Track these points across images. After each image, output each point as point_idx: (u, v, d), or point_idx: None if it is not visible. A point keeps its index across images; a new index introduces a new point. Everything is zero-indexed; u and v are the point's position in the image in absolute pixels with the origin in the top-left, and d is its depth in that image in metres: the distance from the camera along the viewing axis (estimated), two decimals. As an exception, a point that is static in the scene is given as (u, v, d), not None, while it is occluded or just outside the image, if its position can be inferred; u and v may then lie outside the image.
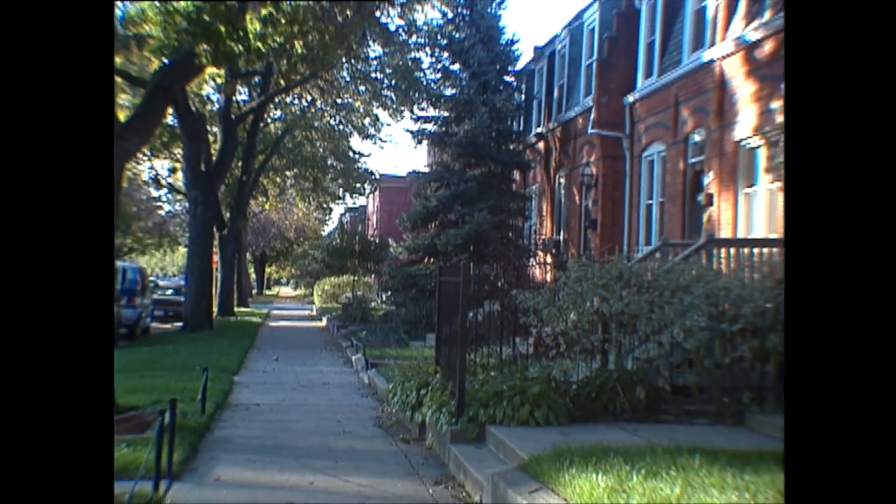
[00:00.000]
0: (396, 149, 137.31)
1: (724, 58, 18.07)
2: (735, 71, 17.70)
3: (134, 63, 23.67)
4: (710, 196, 18.48)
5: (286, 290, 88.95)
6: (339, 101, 40.27)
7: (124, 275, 24.77)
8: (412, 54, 34.54)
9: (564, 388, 10.59)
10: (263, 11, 16.20)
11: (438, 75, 31.57)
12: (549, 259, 26.80)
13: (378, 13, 29.25)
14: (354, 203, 64.55)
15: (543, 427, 9.52)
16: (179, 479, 8.45)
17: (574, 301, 11.40)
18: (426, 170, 33.73)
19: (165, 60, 15.91)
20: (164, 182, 47.45)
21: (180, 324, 31.27)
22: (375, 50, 34.40)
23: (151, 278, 38.42)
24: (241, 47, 15.70)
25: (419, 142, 32.40)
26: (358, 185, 48.55)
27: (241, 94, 33.61)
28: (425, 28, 33.78)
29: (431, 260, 25.48)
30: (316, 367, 20.07)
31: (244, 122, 34.72)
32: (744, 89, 17.38)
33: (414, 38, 34.22)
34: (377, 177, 49.67)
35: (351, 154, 45.60)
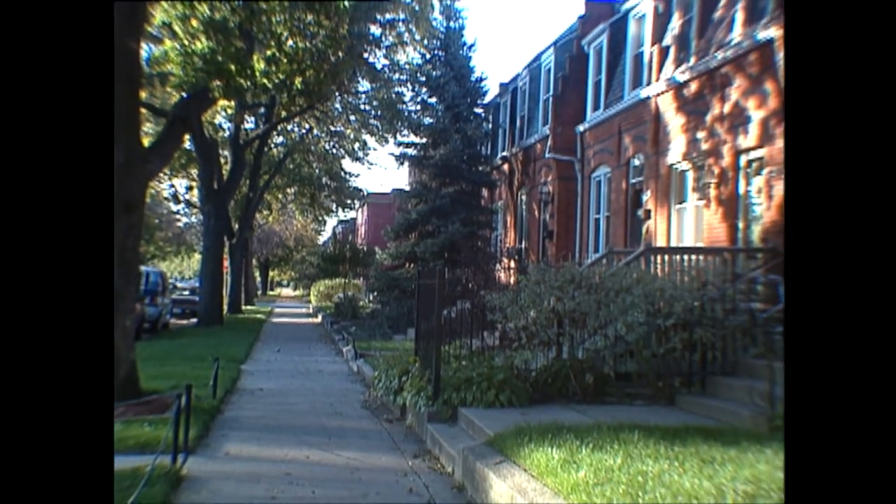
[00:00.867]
0: (382, 170, 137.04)
1: (658, 95, 18.31)
2: (667, 106, 17.92)
3: (157, 97, 23.64)
4: (648, 211, 18.64)
5: (287, 291, 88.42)
6: (332, 128, 40.32)
7: (147, 278, 24.63)
8: (395, 89, 34.64)
9: (525, 375, 10.59)
10: (268, 52, 16.24)
11: (418, 107, 31.60)
12: (512, 264, 26.82)
13: (366, 54, 29.32)
14: (345, 216, 64.30)
15: (507, 408, 9.55)
16: (194, 453, 8.43)
17: (533, 300, 11.45)
18: (407, 188, 33.68)
19: (184, 94, 15.95)
20: (181, 198, 47.25)
21: (195, 320, 31.08)
22: (364, 85, 34.42)
23: (171, 280, 38.13)
24: (248, 83, 15.74)
25: (401, 164, 32.51)
26: (348, 200, 48.56)
27: (248, 122, 33.51)
28: (407, 67, 33.87)
29: (411, 265, 25.45)
30: (312, 358, 20.01)
31: (251, 146, 34.62)
32: (674, 121, 17.59)
33: (397, 75, 34.32)
34: (365, 194, 49.83)
35: (342, 174, 45.57)
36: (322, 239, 78.68)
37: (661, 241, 17.50)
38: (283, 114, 32.76)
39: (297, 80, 18.45)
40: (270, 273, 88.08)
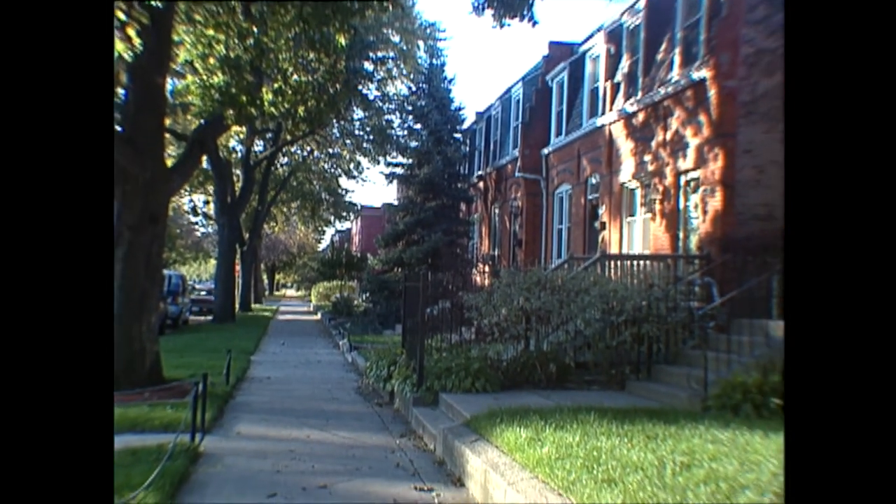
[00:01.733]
0: (373, 186, 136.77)
1: (611, 123, 18.38)
2: (619, 133, 17.99)
3: (179, 124, 23.56)
4: (603, 223, 18.66)
5: (290, 292, 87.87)
6: (330, 150, 40.26)
7: (169, 280, 24.48)
8: (386, 117, 34.86)
9: (497, 365, 10.59)
10: (275, 85, 16.20)
11: (405, 132, 31.66)
12: (486, 269, 26.87)
13: (360, 87, 29.37)
14: (342, 226, 64.30)
15: (482, 394, 9.56)
16: (210, 432, 8.43)
17: (505, 300, 11.45)
18: (396, 202, 33.71)
19: (202, 121, 15.89)
20: (199, 211, 46.95)
21: (211, 317, 30.87)
22: (358, 113, 34.53)
23: (190, 282, 37.87)
24: (257, 112, 15.70)
25: (390, 181, 32.46)
26: (344, 213, 48.55)
27: (258, 145, 33.42)
28: (395, 98, 34.14)
29: (399, 270, 25.42)
30: (312, 350, 19.95)
31: (260, 166, 34.50)
32: (625, 146, 17.65)
33: (387, 105, 34.57)
34: (359, 207, 49.78)
35: (339, 190, 45.52)
36: (321, 246, 78.32)
37: (614, 249, 17.54)
38: (288, 138, 32.64)
39: (300, 109, 18.41)
40: (276, 276, 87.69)
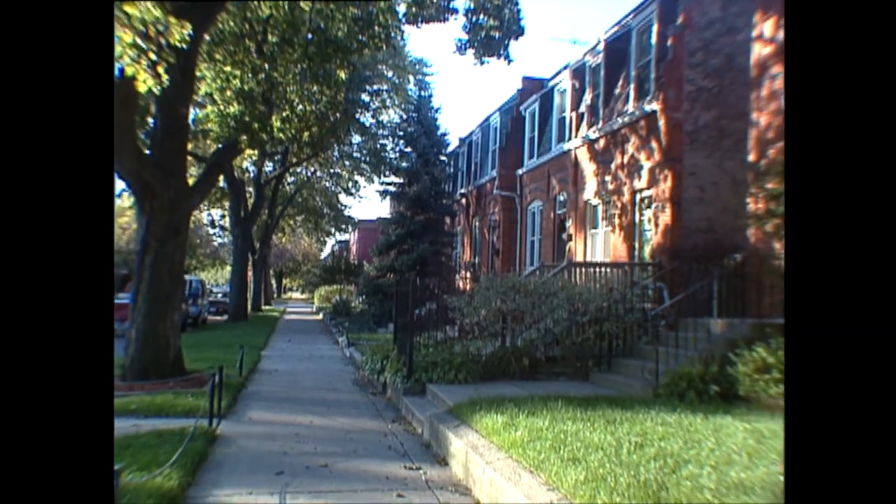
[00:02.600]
0: (369, 202, 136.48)
1: (576, 148, 18.42)
2: (583, 157, 18.04)
3: (199, 148, 23.49)
4: (570, 235, 18.69)
5: (296, 295, 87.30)
6: (331, 171, 40.22)
7: (190, 284, 24.28)
8: (380, 141, 34.80)
9: (477, 359, 10.54)
10: (283, 114, 16.22)
11: (397, 155, 31.45)
12: (468, 275, 26.90)
13: (358, 115, 29.46)
14: (341, 237, 63.98)
15: (464, 384, 9.54)
16: (225, 418, 8.37)
17: (484, 302, 11.42)
18: (388, 216, 33.57)
19: (219, 145, 15.90)
20: (217, 224, 46.88)
21: (226, 316, 30.62)
22: (356, 138, 34.50)
23: (208, 286, 37.66)
24: (268, 137, 15.72)
25: (384, 197, 32.47)
26: (343, 225, 48.40)
27: (268, 166, 33.32)
28: (388, 125, 34.14)
29: (391, 275, 25.29)
30: (315, 346, 19.82)
31: (269, 184, 34.37)
32: (588, 168, 17.70)
33: (381, 131, 34.56)
34: (356, 220, 49.58)
35: (339, 205, 45.32)
36: (323, 254, 77.91)
37: (579, 257, 17.53)
38: (294, 160, 32.71)
39: (305, 135, 18.44)
40: (283, 281, 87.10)
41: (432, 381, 9.77)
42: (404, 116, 30.40)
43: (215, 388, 7.96)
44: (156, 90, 8.94)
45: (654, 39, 15.27)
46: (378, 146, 34.79)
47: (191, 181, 12.99)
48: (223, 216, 42.54)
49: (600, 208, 17.12)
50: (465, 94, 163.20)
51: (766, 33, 11.27)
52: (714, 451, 5.25)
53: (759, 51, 11.40)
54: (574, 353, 10.69)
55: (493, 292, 11.41)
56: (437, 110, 28.50)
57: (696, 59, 14.26)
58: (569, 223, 18.95)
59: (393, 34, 14.84)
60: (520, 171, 23.35)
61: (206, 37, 12.09)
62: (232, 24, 13.75)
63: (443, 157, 28.65)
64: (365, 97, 31.49)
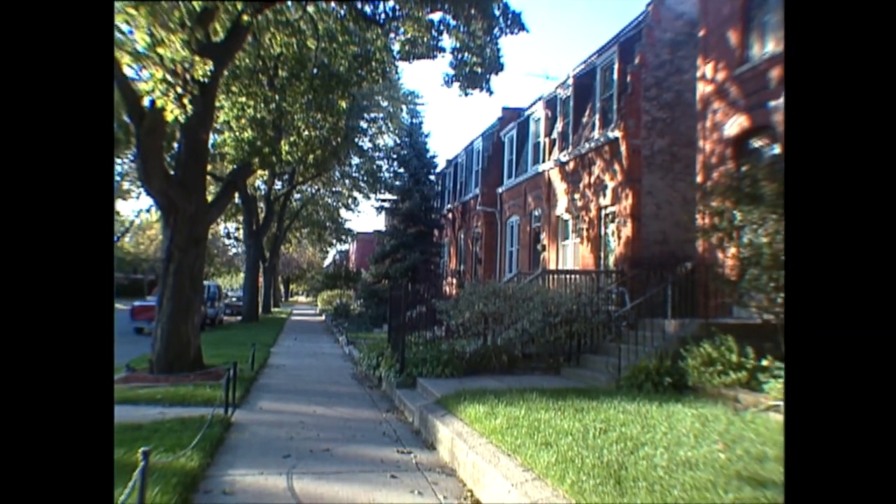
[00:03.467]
0: (366, 216, 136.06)
1: (549, 169, 18.48)
2: (555, 177, 18.10)
3: (217, 169, 23.39)
4: (544, 245, 18.71)
5: (301, 299, 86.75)
6: (333, 189, 40.15)
7: (208, 289, 24.19)
8: (376, 163, 34.84)
9: (462, 355, 10.50)
10: (291, 139, 16.22)
11: (391, 174, 31.58)
12: (454, 281, 26.92)
13: (356, 140, 29.50)
14: (341, 248, 63.85)
15: (450, 378, 9.52)
16: (239, 407, 8.32)
17: (468, 305, 11.40)
18: (384, 229, 33.56)
19: (234, 166, 15.86)
20: (232, 235, 46.61)
21: (240, 317, 30.41)
22: (355, 160, 34.52)
23: (224, 291, 37.45)
24: (277, 159, 15.72)
25: (380, 212, 32.55)
26: (343, 237, 48.12)
27: (277, 185, 33.24)
28: (384, 148, 34.23)
29: (386, 281, 25.26)
30: (318, 344, 19.69)
31: (278, 201, 34.25)
32: (560, 187, 17.76)
33: (377, 153, 34.61)
34: (355, 233, 49.40)
35: (339, 219, 45.14)
36: (325, 263, 77.66)
37: (552, 266, 17.56)
38: (300, 179, 32.64)
39: (310, 157, 18.47)
40: (290, 286, 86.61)
41: (422, 375, 9.74)
42: (398, 141, 30.54)
43: (230, 381, 7.95)
44: (181, 119, 8.99)
45: (615, 76, 15.46)
46: (374, 167, 34.89)
47: (209, 198, 12.97)
48: (238, 229, 42.30)
49: (570, 222, 17.18)
50: (451, 121, 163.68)
51: (708, 74, 11.46)
52: (666, 434, 5.31)
53: (703, 88, 11.59)
54: (547, 350, 10.69)
55: (476, 297, 11.40)
56: (426, 136, 28.61)
57: (651, 94, 14.47)
58: (543, 235, 19.00)
59: (388, 69, 14.92)
60: (500, 190, 23.36)
61: (225, 72, 12.10)
62: (247, 60, 13.77)
63: (432, 177, 28.70)
64: (363, 124, 31.65)
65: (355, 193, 39.19)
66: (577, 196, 16.61)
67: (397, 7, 12.40)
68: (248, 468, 5.60)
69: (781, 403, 6.40)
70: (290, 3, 12.71)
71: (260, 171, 22.59)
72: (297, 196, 40.23)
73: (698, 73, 11.81)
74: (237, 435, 6.86)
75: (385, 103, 33.17)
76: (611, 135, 14.79)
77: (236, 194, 23.12)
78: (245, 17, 10.33)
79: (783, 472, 3.98)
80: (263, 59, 14.02)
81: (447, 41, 12.68)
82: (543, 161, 19.09)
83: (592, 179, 15.82)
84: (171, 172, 11.31)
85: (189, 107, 8.59)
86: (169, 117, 8.91)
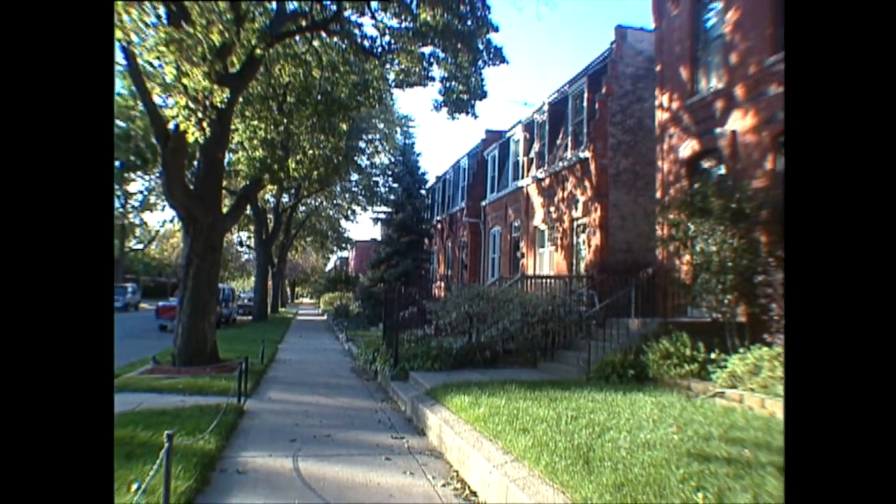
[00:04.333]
0: (364, 226, 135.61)
1: (527, 185, 18.50)
2: (533, 192, 18.13)
3: (231, 184, 23.31)
4: (523, 253, 18.72)
5: (306, 300, 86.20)
6: (334, 202, 40.00)
7: (223, 291, 24.02)
8: (373, 179, 34.80)
9: (449, 351, 10.44)
10: (297, 157, 16.22)
11: (386, 189, 31.63)
12: (442, 285, 26.92)
13: (356, 158, 29.48)
14: (342, 254, 63.60)
15: (438, 372, 9.51)
16: (250, 396, 8.32)
17: (455, 306, 11.43)
18: (380, 238, 33.51)
19: (247, 182, 15.84)
20: (244, 243, 46.22)
21: (251, 317, 30.22)
22: (354, 176, 34.46)
23: (237, 293, 37.17)
24: (285, 176, 15.70)
25: (376, 223, 32.42)
26: (343, 245, 47.96)
27: (284, 198, 33.13)
28: (380, 166, 34.18)
29: (382, 285, 25.17)
30: (320, 341, 19.63)
31: (285, 212, 34.13)
32: (537, 201, 17.79)
33: (374, 170, 34.56)
34: (354, 241, 49.32)
35: (340, 229, 45.01)
36: (327, 268, 77.27)
37: (530, 271, 17.58)
38: (305, 193, 32.53)
39: (314, 174, 18.45)
40: (296, 289, 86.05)
41: (414, 369, 9.72)
42: (392, 159, 30.54)
43: (242, 373, 7.94)
44: (201, 140, 9.03)
45: (585, 103, 15.61)
46: (371, 182, 34.88)
47: (224, 210, 12.96)
48: (249, 237, 41.94)
49: (546, 232, 17.23)
50: (440, 142, 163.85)
51: (664, 104, 11.63)
52: (629, 419, 5.37)
53: (660, 116, 11.75)
54: (525, 346, 10.68)
55: (462, 299, 11.41)
56: (418, 155, 28.61)
57: (616, 119, 14.64)
58: (522, 244, 19.02)
59: (384, 96, 14.96)
60: (483, 203, 23.36)
61: (240, 98, 12.12)
62: (259, 88, 13.78)
63: (423, 192, 28.70)
64: (362, 144, 31.67)
65: (354, 206, 39.09)
66: (552, 209, 16.68)
67: (392, 41, 12.46)
68: (259, 450, 5.60)
69: (726, 390, 6.50)
70: (297, 37, 12.74)
71: (269, 186, 22.54)
72: (302, 208, 40.04)
73: (656, 103, 11.99)
74: (249, 421, 6.86)
75: (381, 126, 33.17)
76: (581, 155, 14.93)
77: (248, 206, 23.04)
78: (258, 51, 10.37)
79: (724, 449, 4.09)
80: (273, 87, 14.05)
81: (437, 71, 12.76)
82: (522, 178, 19.13)
83: (565, 194, 15.92)
84: (191, 187, 11.30)
85: (208, 129, 8.63)
86: (190, 139, 8.96)
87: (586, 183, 14.80)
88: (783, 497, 3.18)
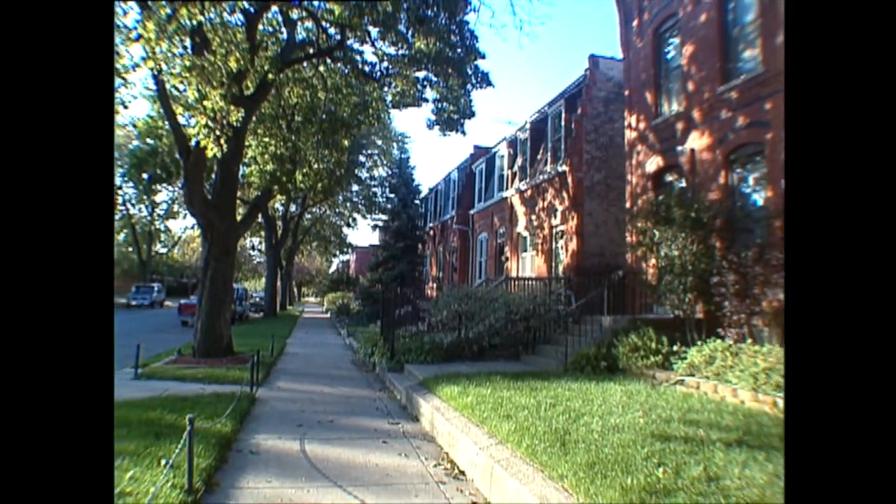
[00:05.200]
0: (364, 232, 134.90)
1: (511, 196, 18.50)
2: (517, 202, 18.14)
3: (245, 194, 23.21)
4: (507, 257, 18.72)
5: (311, 299, 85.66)
6: (337, 210, 39.89)
7: (237, 291, 23.93)
8: (372, 190, 34.75)
9: (441, 346, 10.35)
10: (304, 170, 16.19)
11: (384, 199, 31.59)
12: (434, 286, 26.91)
13: (356, 171, 29.45)
14: (344, 258, 63.36)
15: (431, 364, 9.46)
16: (261, 386, 8.27)
17: (446, 305, 11.41)
18: (378, 243, 33.44)
19: (259, 192, 15.81)
20: (256, 248, 46.09)
21: (262, 314, 30.04)
22: (355, 187, 34.41)
23: (250, 292, 36.92)
24: (292, 187, 15.69)
25: (374, 229, 32.36)
26: (345, 249, 47.85)
27: (292, 207, 33.03)
28: (378, 178, 34.15)
29: (380, 285, 25.09)
30: (324, 336, 19.50)
31: (293, 220, 34.01)
32: (520, 210, 17.80)
33: (373, 182, 34.51)
34: (354, 246, 49.15)
35: (342, 235, 44.88)
36: (330, 270, 76.86)
37: (514, 273, 17.55)
38: (311, 202, 32.46)
39: (319, 185, 18.44)
40: (302, 289, 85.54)
41: (408, 361, 9.68)
42: (389, 172, 30.53)
43: (254, 365, 7.93)
44: (218, 155, 9.03)
45: (563, 123, 15.73)
46: (371, 193, 34.81)
47: (238, 218, 12.94)
48: (261, 242, 41.82)
49: (528, 238, 17.24)
50: (432, 157, 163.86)
51: (633, 124, 11.77)
52: (601, 406, 5.42)
53: (629, 134, 11.88)
54: (509, 341, 10.65)
55: (452, 298, 11.40)
56: (412, 168, 28.56)
57: (590, 137, 14.78)
58: (506, 249, 19.01)
59: (382, 115, 14.98)
60: (472, 212, 23.32)
61: (253, 118, 12.13)
62: (270, 108, 13.80)
63: (417, 201, 28.64)
64: (362, 158, 31.67)
65: (355, 214, 38.94)
66: (533, 217, 16.72)
67: (390, 66, 12.53)
68: (269, 434, 5.60)
69: (685, 378, 6.59)
70: (305, 63, 12.77)
71: (279, 196, 22.51)
72: (308, 216, 39.87)
73: (625, 123, 12.13)
74: (260, 408, 6.85)
75: (379, 142, 33.20)
76: (559, 169, 15.03)
77: (260, 215, 22.87)
78: (270, 76, 10.41)
79: (682, 429, 4.10)
80: (283, 107, 14.06)
81: (430, 93, 12.83)
82: (507, 189, 19.13)
83: (545, 204, 15.99)
84: (209, 197, 11.28)
85: (224, 145, 8.65)
86: (209, 154, 8.97)
87: (564, 194, 14.90)
88: (727, 467, 3.35)
